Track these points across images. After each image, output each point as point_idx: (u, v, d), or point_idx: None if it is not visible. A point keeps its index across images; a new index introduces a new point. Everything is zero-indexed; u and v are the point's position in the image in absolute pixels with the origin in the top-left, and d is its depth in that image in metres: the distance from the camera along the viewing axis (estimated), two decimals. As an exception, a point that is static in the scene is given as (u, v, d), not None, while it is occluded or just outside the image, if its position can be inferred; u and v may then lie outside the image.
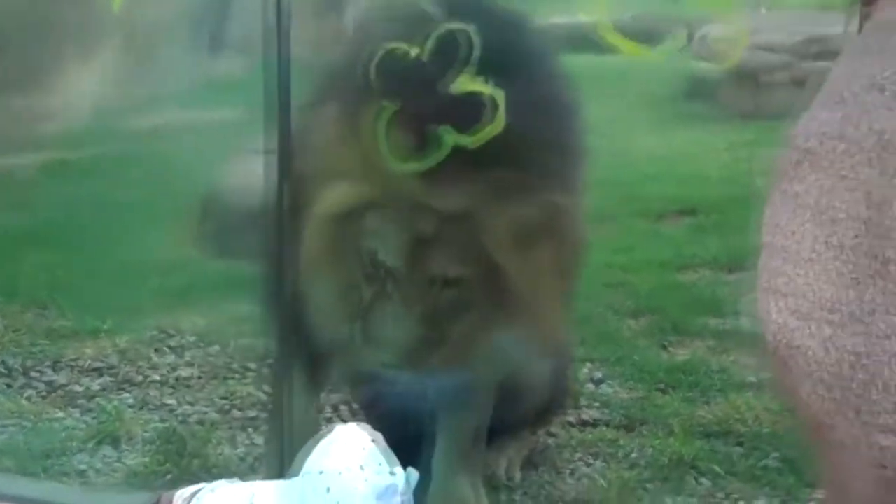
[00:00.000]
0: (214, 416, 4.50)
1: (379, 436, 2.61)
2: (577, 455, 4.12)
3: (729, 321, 5.45)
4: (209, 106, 8.92)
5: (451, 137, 3.00)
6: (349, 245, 3.28)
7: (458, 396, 3.47)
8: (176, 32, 10.02)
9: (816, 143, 2.12)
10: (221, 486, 2.79)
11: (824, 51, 11.00)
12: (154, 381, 4.81)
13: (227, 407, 4.57)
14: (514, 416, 3.80)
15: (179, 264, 6.18)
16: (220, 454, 4.12)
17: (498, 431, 3.74)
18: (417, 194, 3.12)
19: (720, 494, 3.84)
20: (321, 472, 2.55)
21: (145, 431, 4.35)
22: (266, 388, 4.60)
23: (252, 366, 4.93)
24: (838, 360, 2.00)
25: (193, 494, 2.78)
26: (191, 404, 4.60)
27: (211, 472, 3.95)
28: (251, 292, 5.38)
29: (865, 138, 2.03)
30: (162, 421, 4.45)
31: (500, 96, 2.97)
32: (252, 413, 4.52)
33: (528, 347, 3.39)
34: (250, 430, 4.40)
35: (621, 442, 4.17)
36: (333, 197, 3.27)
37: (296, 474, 2.64)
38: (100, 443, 4.28)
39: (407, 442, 2.97)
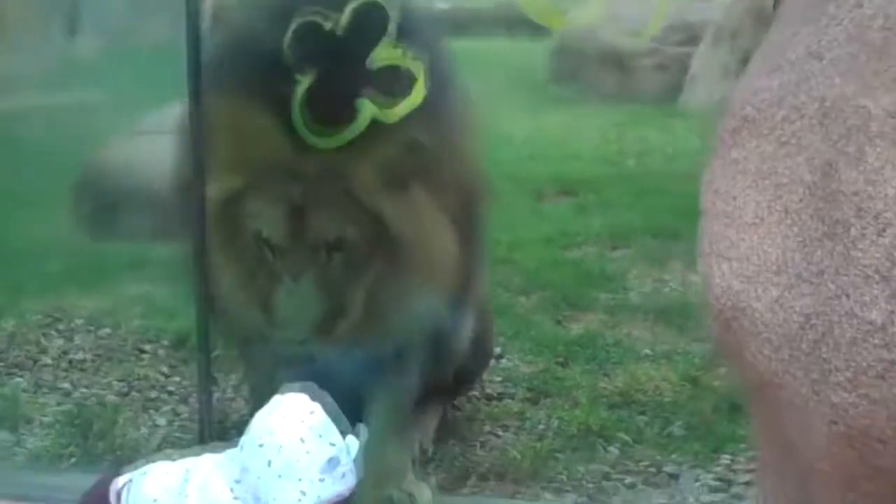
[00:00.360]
0: (113, 398, 4.40)
1: (324, 401, 2.60)
2: (486, 427, 4.14)
3: (618, 296, 5.54)
4: (68, 88, 8.78)
5: (369, 109, 2.99)
6: (239, 230, 3.27)
7: (386, 366, 3.46)
8: (34, 15, 9.80)
9: (754, 111, 2.17)
10: (153, 468, 2.76)
11: (688, 37, 11.27)
12: (46, 365, 4.71)
13: (125, 389, 4.48)
14: (439, 380, 3.81)
15: (60, 247, 6.05)
16: (125, 436, 4.00)
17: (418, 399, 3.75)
18: (284, 164, 3.13)
19: (629, 462, 3.87)
20: (261, 445, 2.55)
21: (43, 415, 4.25)
22: (164, 369, 4.56)
23: (147, 348, 4.85)
24: (786, 320, 2.06)
25: (125, 485, 2.74)
26: (87, 387, 4.52)
27: (116, 454, 3.88)
28: (138, 274, 5.36)
29: (806, 105, 2.09)
30: (58, 404, 4.33)
31: (418, 68, 2.98)
32: (152, 394, 4.44)
33: (436, 300, 3.39)
34: (151, 411, 4.32)
35: (528, 414, 4.23)
36: (216, 184, 3.26)
37: (234, 446, 2.62)
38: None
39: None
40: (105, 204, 6.52)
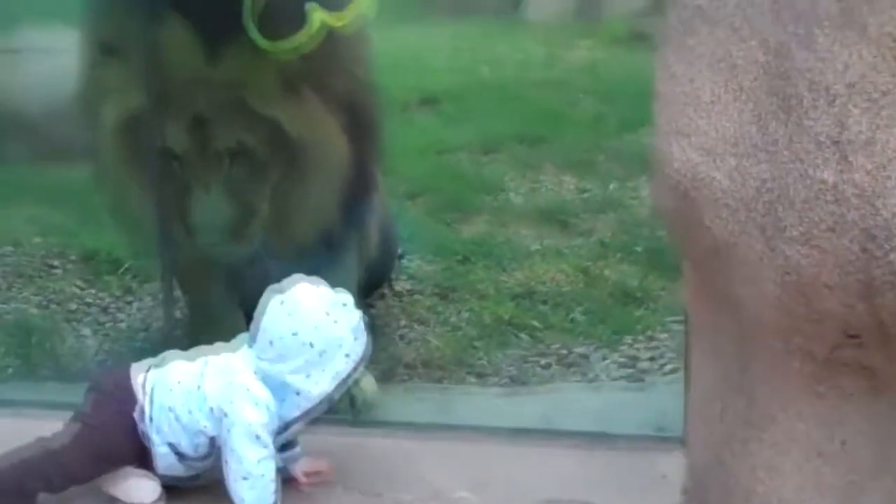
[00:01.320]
0: (35, 311, 4.48)
1: (324, 281, 2.81)
2: (402, 322, 4.36)
3: (499, 199, 5.80)
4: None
5: (318, 15, 3.17)
6: (141, 146, 3.47)
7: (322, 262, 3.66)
8: None
9: (706, 1, 2.43)
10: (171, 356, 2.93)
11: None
12: (-45, 283, 4.74)
13: (44, 303, 4.57)
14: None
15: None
16: (60, 346, 4.13)
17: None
18: (185, 78, 3.34)
19: (540, 346, 4.15)
20: (295, 333, 2.75)
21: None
22: (79, 283, 4.66)
23: (56, 263, 4.93)
24: (743, 185, 2.34)
25: (147, 372, 2.91)
26: (4, 303, 4.57)
27: (56, 363, 3.99)
28: (27, 197, 5.41)
29: (755, -6, 2.35)
30: (-22, 320, 4.41)
31: (369, -24, 3.16)
32: (72, 307, 4.54)
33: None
34: (74, 322, 4.41)
35: (439, 308, 4.45)
36: (118, 103, 3.46)
37: (254, 338, 2.81)
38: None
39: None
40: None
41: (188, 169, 3.42)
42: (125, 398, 2.89)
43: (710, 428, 2.73)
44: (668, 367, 3.94)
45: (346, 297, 2.81)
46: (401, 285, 4.64)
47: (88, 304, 4.54)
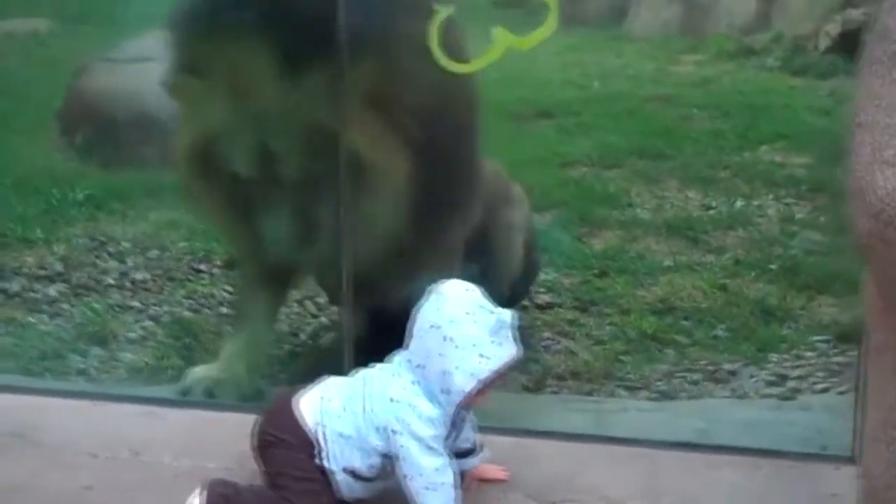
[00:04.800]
0: (188, 314, 4.61)
1: (474, 285, 2.90)
2: (546, 334, 4.44)
3: (627, 213, 5.87)
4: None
5: (504, 38, 3.26)
6: (213, 169, 3.58)
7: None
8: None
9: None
10: (330, 381, 3.04)
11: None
12: (110, 286, 4.88)
13: (195, 306, 4.69)
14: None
15: (66, 174, 6.19)
16: (216, 349, 4.24)
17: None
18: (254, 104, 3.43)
19: (686, 361, 4.22)
20: (433, 326, 2.83)
21: (129, 331, 4.43)
22: (227, 287, 4.79)
23: (202, 268, 5.07)
24: (953, 215, 2.40)
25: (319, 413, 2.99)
26: (157, 305, 4.71)
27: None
28: (161, 199, 5.56)
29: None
30: (136, 321, 4.54)
31: (554, 1, 3.25)
32: (223, 310, 4.66)
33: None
34: (227, 326, 4.54)
35: (581, 321, 4.53)
36: (190, 129, 3.59)
37: (410, 334, 2.90)
38: (89, 343, 4.34)
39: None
40: (102, 132, 6.61)
41: (256, 193, 3.54)
42: (298, 443, 2.95)
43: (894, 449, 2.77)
44: (819, 385, 3.95)
45: (493, 305, 2.86)
46: (542, 297, 4.70)
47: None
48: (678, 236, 5.43)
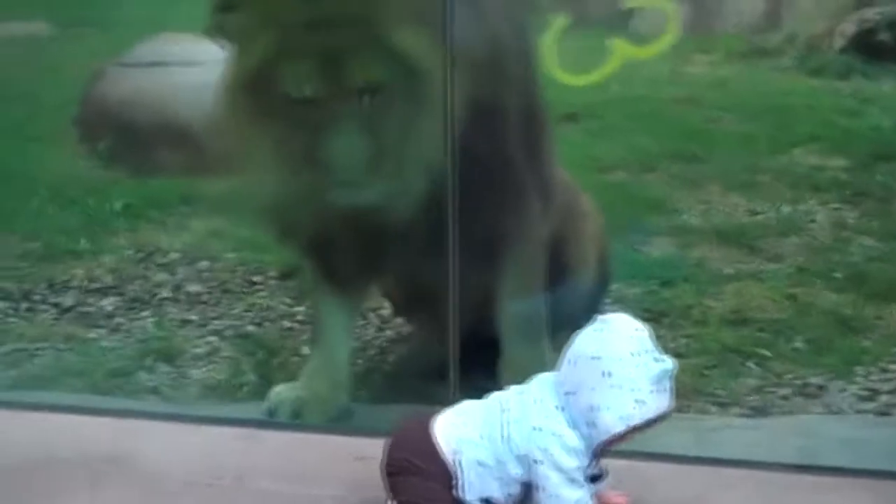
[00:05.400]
0: (252, 328, 4.50)
1: (644, 325, 2.80)
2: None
3: (673, 218, 5.79)
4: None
5: (624, 50, 3.17)
6: (271, 94, 3.40)
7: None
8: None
9: None
10: (465, 407, 2.92)
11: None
12: (166, 299, 4.76)
13: (257, 320, 4.59)
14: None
15: (97, 183, 6.07)
16: (286, 366, 4.18)
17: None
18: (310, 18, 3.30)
19: (772, 375, 4.14)
20: (595, 358, 2.73)
21: (196, 347, 4.33)
22: (286, 299, 4.68)
23: (256, 279, 4.96)
24: None
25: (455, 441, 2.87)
26: (217, 319, 4.59)
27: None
28: (198, 207, 5.45)
29: None
30: (199, 336, 4.43)
31: (674, 9, 3.16)
32: (286, 324, 4.55)
33: None
34: (290, 339, 4.48)
35: (658, 333, 4.42)
36: (245, 54, 3.43)
37: (562, 361, 2.81)
38: (156, 360, 4.25)
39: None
40: (125, 139, 6.50)
41: (322, 110, 3.36)
42: (436, 472, 2.84)
43: None
44: None
45: (659, 351, 2.76)
46: (609, 309, 4.60)
47: (301, 322, 4.50)
48: (732, 243, 5.36)
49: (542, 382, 2.84)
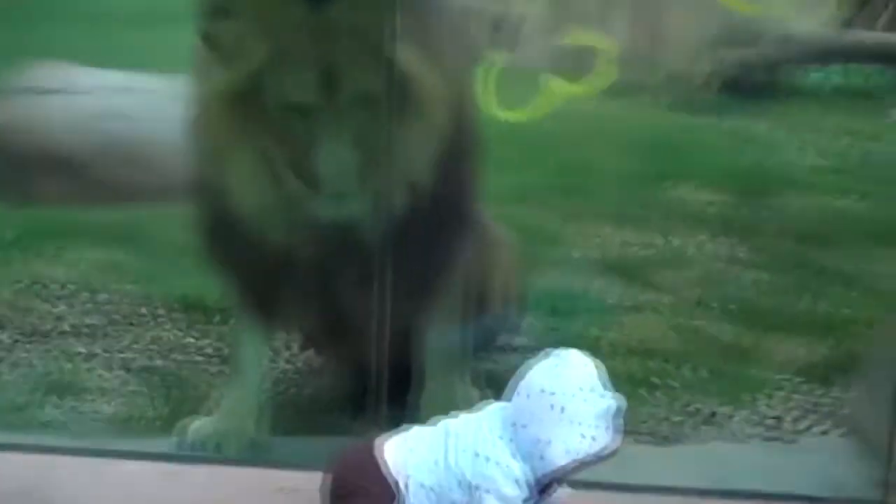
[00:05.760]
0: (158, 362, 4.45)
1: (598, 362, 2.85)
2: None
3: (561, 250, 5.84)
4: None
5: (561, 89, 3.23)
6: (259, 109, 3.45)
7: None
8: None
9: None
10: (413, 431, 2.93)
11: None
12: (64, 332, 4.68)
13: (163, 352, 4.54)
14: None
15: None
16: (195, 398, 4.15)
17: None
18: (306, 28, 3.36)
19: (677, 405, 4.25)
20: (550, 392, 2.76)
21: (101, 381, 4.27)
22: (194, 333, 4.64)
23: (160, 311, 4.90)
24: None
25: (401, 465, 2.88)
26: (120, 352, 4.53)
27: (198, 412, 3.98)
28: (93, 239, 5.37)
29: None
30: (107, 370, 4.36)
31: (612, 48, 3.23)
32: (197, 358, 4.52)
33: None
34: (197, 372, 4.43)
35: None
36: (237, 66, 3.45)
37: (513, 391, 2.82)
38: (58, 394, 4.21)
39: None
40: (7, 168, 6.37)
41: (314, 120, 3.41)
42: (380, 492, 2.83)
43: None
44: (815, 427, 4.12)
45: (607, 389, 2.80)
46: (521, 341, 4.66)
47: (209, 355, 4.46)
48: (627, 276, 5.43)
49: (491, 412, 2.85)
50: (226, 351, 4.42)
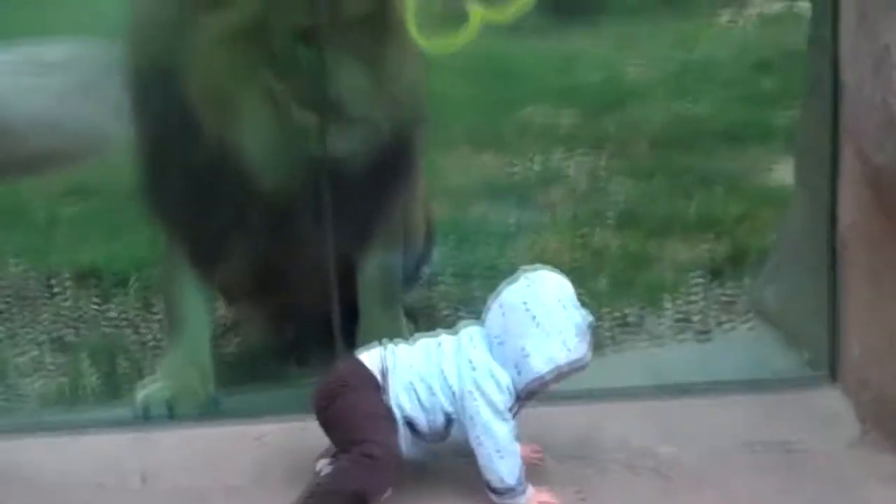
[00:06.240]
0: (69, 334, 4.43)
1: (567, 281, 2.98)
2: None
3: (440, 181, 5.93)
4: None
5: (479, 14, 3.30)
6: (254, 50, 3.48)
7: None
8: None
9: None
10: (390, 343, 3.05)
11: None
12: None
13: (71, 324, 4.52)
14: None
15: None
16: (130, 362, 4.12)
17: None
18: None
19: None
20: (526, 307, 2.91)
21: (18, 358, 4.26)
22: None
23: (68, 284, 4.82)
24: None
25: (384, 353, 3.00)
26: (35, 329, 4.51)
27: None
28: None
29: None
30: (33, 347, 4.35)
31: (526, -28, 3.31)
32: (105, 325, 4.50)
33: None
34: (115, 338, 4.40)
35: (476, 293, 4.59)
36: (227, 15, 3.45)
37: (488, 310, 2.96)
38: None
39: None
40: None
41: (324, 41, 3.43)
42: (366, 383, 2.97)
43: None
44: (723, 321, 4.29)
45: (579, 304, 2.95)
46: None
47: (118, 321, 4.44)
48: (503, 200, 5.52)
49: (470, 331, 2.99)
50: (140, 318, 4.37)
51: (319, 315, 3.69)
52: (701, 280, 4.59)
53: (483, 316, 2.98)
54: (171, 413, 3.59)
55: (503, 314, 2.91)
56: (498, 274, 4.44)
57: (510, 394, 2.91)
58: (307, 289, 3.64)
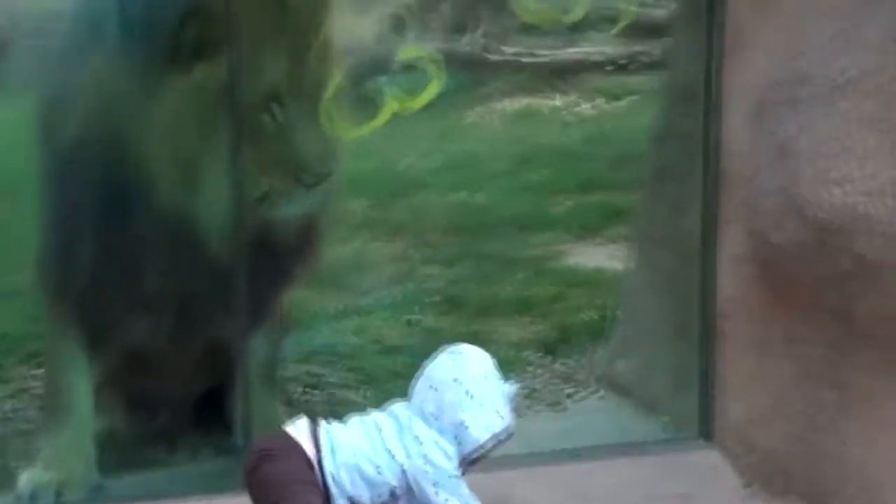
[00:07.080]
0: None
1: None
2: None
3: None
4: None
5: (396, 103, 3.50)
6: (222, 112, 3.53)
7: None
8: None
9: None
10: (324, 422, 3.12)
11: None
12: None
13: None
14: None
15: None
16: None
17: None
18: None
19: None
20: (457, 381, 3.06)
21: None
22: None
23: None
24: None
25: (314, 435, 3.07)
26: None
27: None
28: None
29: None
30: None
31: (440, 63, 3.53)
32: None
33: None
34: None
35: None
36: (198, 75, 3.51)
37: (413, 390, 3.10)
38: None
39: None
40: None
41: (291, 106, 3.53)
42: (299, 457, 3.02)
43: (790, 420, 3.39)
44: (577, 393, 4.53)
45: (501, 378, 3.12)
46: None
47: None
48: (319, 285, 5.63)
49: (401, 408, 3.11)
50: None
51: (185, 399, 3.74)
52: (537, 356, 4.80)
53: (409, 393, 3.10)
54: (59, 499, 3.53)
55: (435, 390, 3.06)
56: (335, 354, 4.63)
57: (456, 461, 3.05)
58: (176, 373, 3.71)
